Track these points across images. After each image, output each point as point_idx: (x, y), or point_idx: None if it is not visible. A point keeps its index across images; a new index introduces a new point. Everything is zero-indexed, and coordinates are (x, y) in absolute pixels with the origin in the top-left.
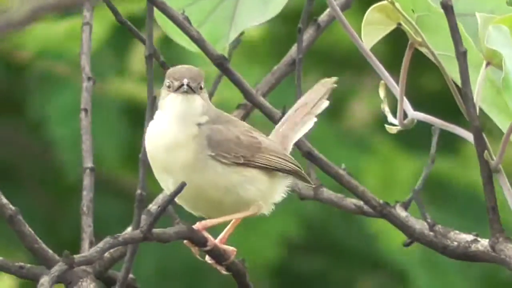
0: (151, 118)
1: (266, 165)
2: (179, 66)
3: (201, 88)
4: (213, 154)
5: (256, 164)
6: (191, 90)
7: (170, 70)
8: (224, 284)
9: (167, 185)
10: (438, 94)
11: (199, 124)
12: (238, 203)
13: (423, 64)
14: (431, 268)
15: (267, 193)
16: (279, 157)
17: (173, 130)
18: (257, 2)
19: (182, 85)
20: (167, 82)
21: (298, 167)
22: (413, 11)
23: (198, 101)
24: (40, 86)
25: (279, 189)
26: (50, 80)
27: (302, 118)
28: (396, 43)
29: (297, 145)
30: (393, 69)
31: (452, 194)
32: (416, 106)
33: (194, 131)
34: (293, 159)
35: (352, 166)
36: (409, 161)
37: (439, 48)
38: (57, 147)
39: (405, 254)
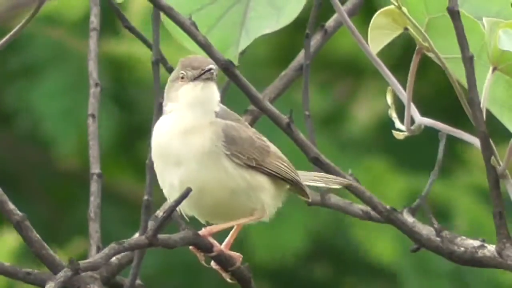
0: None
1: (276, 173)
2: (192, 56)
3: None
4: (228, 153)
5: (266, 170)
6: (213, 77)
7: (185, 60)
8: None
9: (172, 182)
10: (445, 99)
11: (216, 113)
12: (240, 209)
13: (430, 68)
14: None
15: (271, 202)
16: (285, 166)
17: (193, 116)
18: (268, 8)
19: (204, 72)
20: (180, 73)
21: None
22: (426, 13)
23: (217, 89)
24: (19, 73)
25: (282, 195)
26: (31, 66)
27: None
28: (400, 46)
29: (304, 150)
30: (397, 73)
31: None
32: (422, 111)
33: (212, 118)
34: (294, 168)
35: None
36: (402, 175)
37: (452, 51)
38: (45, 122)
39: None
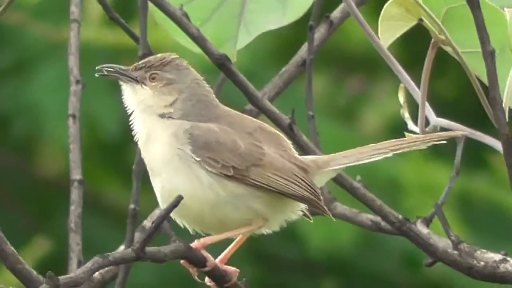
0: None
1: (265, 184)
2: None
3: (153, 78)
4: (198, 159)
5: (250, 181)
6: (126, 77)
7: None
8: None
9: (157, 192)
10: (462, 98)
11: (163, 116)
12: (232, 220)
13: (446, 64)
14: None
15: (268, 210)
16: (285, 178)
17: (140, 123)
18: (271, 0)
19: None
20: None
21: (313, 193)
22: (443, 2)
23: (142, 91)
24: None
25: (289, 207)
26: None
27: (372, 151)
28: (413, 39)
29: (308, 153)
30: (410, 69)
31: (480, 212)
32: (438, 111)
33: (158, 122)
34: (308, 182)
35: (384, 171)
36: (443, 165)
37: (471, 44)
38: (44, 120)
39: None
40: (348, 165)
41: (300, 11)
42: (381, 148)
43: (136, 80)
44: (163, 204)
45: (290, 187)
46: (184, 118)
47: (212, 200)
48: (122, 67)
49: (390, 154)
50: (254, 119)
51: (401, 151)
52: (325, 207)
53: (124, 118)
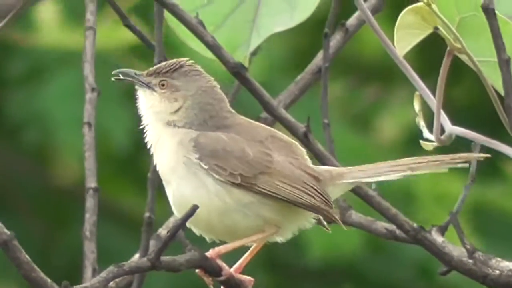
0: None
1: (272, 192)
2: None
3: (163, 85)
4: (206, 167)
5: (257, 189)
6: (139, 82)
7: None
8: None
9: (170, 199)
10: (478, 106)
11: (169, 123)
12: (243, 227)
13: (461, 72)
14: None
15: (279, 218)
16: (293, 186)
17: (151, 129)
18: (282, 4)
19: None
20: None
21: (324, 201)
22: (456, 12)
23: (151, 96)
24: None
25: (301, 215)
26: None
27: (390, 168)
28: (429, 48)
29: (322, 162)
30: (426, 78)
31: (494, 221)
32: (453, 119)
33: (166, 129)
34: (319, 190)
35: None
36: (457, 175)
37: (484, 54)
38: (57, 128)
39: None
40: (363, 180)
41: (306, 13)
42: (400, 165)
43: (148, 86)
44: (176, 211)
45: (297, 195)
46: (187, 126)
47: (219, 207)
48: (136, 72)
49: (408, 173)
50: (267, 127)
51: (420, 171)
52: (336, 216)
53: (137, 126)
